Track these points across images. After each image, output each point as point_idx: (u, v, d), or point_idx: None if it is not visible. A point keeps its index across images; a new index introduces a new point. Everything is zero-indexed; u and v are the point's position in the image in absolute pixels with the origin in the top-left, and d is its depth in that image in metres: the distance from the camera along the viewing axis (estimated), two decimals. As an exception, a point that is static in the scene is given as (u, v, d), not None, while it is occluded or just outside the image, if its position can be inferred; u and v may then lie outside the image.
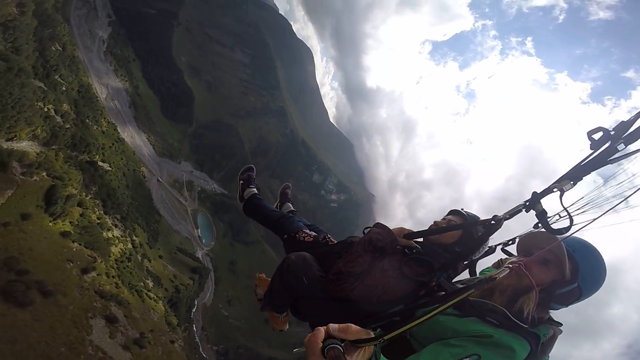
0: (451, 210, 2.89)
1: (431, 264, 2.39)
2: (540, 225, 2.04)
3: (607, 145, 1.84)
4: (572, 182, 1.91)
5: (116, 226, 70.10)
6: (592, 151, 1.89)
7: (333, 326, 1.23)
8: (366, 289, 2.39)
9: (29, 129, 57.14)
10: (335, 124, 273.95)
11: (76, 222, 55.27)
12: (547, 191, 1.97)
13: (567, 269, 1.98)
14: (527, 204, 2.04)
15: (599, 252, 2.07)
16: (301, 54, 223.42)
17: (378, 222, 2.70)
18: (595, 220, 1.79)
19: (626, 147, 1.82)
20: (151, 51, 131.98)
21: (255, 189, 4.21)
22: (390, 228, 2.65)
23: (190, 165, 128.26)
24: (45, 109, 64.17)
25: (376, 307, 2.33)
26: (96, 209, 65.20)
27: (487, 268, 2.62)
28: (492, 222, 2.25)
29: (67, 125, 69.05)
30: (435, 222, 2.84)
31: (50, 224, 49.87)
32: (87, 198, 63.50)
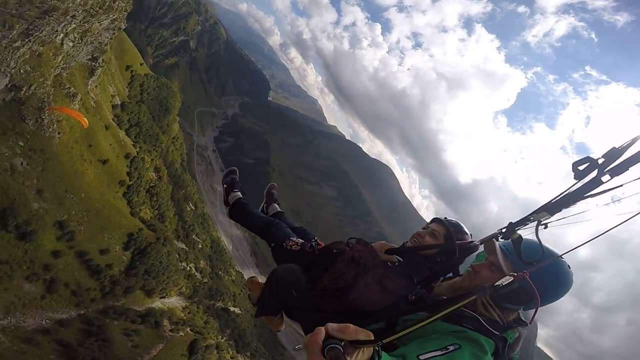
0: (433, 219, 2.91)
1: (411, 277, 2.48)
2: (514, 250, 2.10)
3: (592, 176, 1.84)
4: (548, 215, 1.95)
5: (247, 364, 71.06)
6: (575, 182, 1.90)
7: (332, 326, 1.22)
8: (351, 303, 2.42)
9: (176, 289, 65.41)
10: None
11: None
12: (523, 221, 2.07)
13: (504, 269, 2.06)
14: (504, 232, 2.15)
15: (539, 244, 2.02)
16: (380, 172, 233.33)
17: (360, 238, 2.72)
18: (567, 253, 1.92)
19: (612, 178, 1.78)
20: (259, 200, 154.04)
21: (239, 193, 4.13)
22: (372, 244, 2.70)
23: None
24: (188, 268, 74.56)
25: (362, 318, 2.34)
26: (230, 349, 67.52)
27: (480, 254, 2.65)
28: (469, 245, 2.43)
29: (205, 280, 77.64)
30: (417, 231, 2.87)
31: (193, 371, 52.39)
32: (222, 340, 66.63)
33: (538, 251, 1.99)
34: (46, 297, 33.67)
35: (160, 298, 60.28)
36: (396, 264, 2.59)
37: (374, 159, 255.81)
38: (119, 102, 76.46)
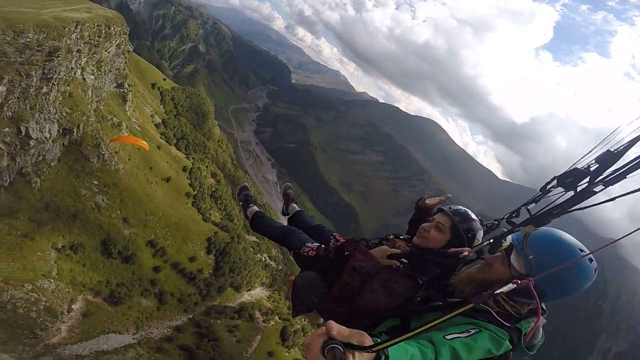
0: (438, 209, 2.90)
1: (416, 278, 2.51)
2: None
3: (583, 186, 1.80)
4: (535, 228, 1.95)
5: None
6: (563, 192, 1.91)
7: (331, 326, 1.21)
8: (361, 309, 2.48)
9: (258, 280, 69.46)
10: (509, 179, 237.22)
11: (302, 347, 60.06)
12: (510, 233, 2.13)
13: (517, 267, 2.02)
14: (491, 244, 2.20)
15: (551, 237, 1.99)
16: (425, 128, 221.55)
17: (360, 247, 2.82)
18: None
19: (605, 188, 1.74)
20: (309, 180, 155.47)
21: (255, 207, 4.27)
22: (373, 250, 2.75)
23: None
24: (263, 259, 78.83)
25: (376, 319, 2.44)
26: (313, 330, 69.51)
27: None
28: (460, 256, 2.38)
29: (280, 267, 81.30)
30: (422, 226, 2.84)
31: (287, 354, 56.37)
32: (306, 322, 68.96)
33: (555, 253, 1.89)
34: (160, 308, 38.06)
35: (247, 291, 64.73)
36: (401, 266, 2.58)
37: (416, 115, 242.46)
38: (160, 120, 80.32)
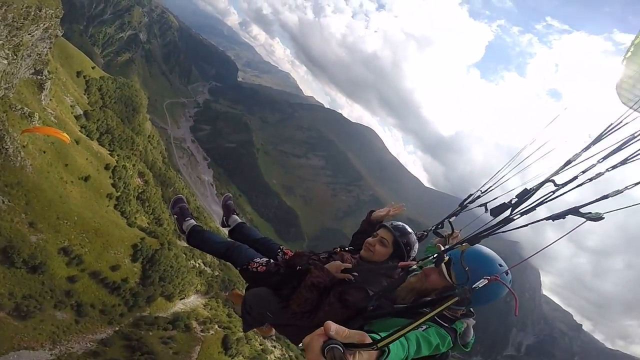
0: (380, 224, 3.14)
1: (366, 290, 2.69)
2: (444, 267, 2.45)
3: (505, 215, 2.29)
4: (469, 245, 2.26)
5: (275, 347, 71.02)
6: (491, 218, 2.40)
7: (329, 326, 1.22)
8: (320, 321, 2.45)
9: (192, 288, 65.47)
10: (434, 187, 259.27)
11: (248, 355, 58.95)
12: (450, 249, 2.38)
13: (445, 275, 2.41)
14: (435, 259, 2.43)
15: (482, 254, 2.43)
16: (364, 136, 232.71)
17: (316, 263, 2.98)
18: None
19: (521, 217, 2.21)
20: (249, 183, 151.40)
21: (192, 220, 4.06)
22: (327, 265, 2.90)
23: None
24: (197, 265, 74.35)
25: None
26: (257, 337, 67.95)
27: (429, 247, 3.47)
28: (409, 269, 2.66)
29: (216, 273, 77.68)
30: (367, 240, 3.07)
31: (231, 363, 54.36)
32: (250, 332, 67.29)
33: (485, 266, 2.29)
34: (80, 321, 34.02)
35: (181, 300, 60.32)
36: (353, 280, 2.76)
37: (356, 123, 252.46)
38: (81, 112, 71.08)
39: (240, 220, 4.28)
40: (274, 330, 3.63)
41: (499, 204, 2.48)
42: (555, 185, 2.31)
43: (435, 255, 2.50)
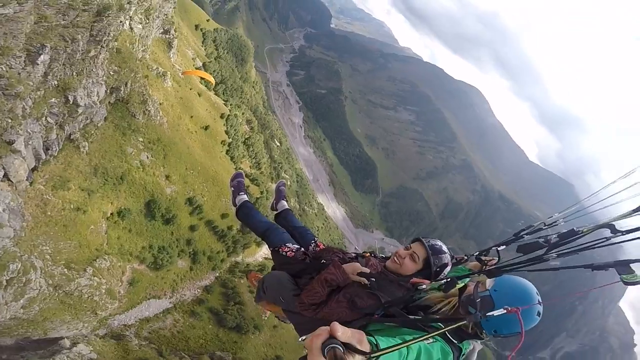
0: (414, 239, 2.88)
1: (379, 298, 2.53)
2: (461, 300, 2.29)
3: (539, 253, 2.05)
4: (487, 278, 2.15)
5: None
6: (520, 254, 2.14)
7: (336, 328, 1.19)
8: (324, 315, 2.63)
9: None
10: (539, 163, 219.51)
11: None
12: (464, 278, 2.29)
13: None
14: (445, 284, 2.32)
15: (514, 282, 2.16)
16: (467, 95, 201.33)
17: (335, 261, 2.82)
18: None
19: (557, 258, 1.98)
20: (334, 128, 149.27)
21: (245, 196, 4.11)
22: (345, 265, 2.79)
23: (382, 233, 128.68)
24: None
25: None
26: None
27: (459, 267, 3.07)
28: (419, 287, 2.46)
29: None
30: (398, 251, 2.85)
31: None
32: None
33: (506, 296, 2.07)
34: (193, 268, 38.04)
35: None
36: (368, 284, 2.63)
37: (459, 80, 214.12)
38: (201, 64, 74.27)
39: (287, 207, 4.18)
40: (280, 310, 3.45)
41: (532, 240, 2.19)
42: (613, 232, 1.94)
43: (445, 280, 2.34)
